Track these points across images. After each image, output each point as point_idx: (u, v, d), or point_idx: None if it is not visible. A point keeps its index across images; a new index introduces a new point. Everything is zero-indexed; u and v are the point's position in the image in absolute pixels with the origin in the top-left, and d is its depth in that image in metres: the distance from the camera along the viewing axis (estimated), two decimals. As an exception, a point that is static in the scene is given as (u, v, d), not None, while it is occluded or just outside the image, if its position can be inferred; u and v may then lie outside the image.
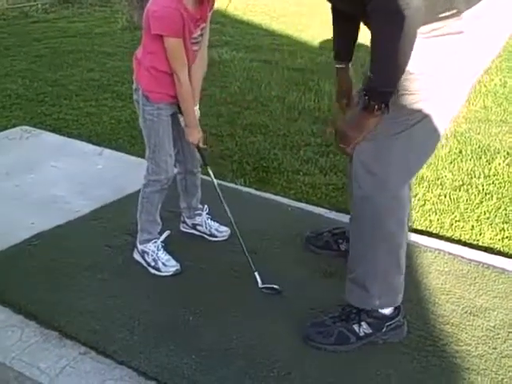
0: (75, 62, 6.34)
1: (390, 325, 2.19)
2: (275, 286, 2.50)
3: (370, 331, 2.18)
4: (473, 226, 3.18)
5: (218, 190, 2.65)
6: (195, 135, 2.55)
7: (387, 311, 2.20)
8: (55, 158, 3.82)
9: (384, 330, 2.19)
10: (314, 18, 8.32)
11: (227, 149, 4.17)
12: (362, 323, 2.17)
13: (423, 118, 1.96)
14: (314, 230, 2.86)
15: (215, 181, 2.66)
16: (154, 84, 2.45)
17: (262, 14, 8.70)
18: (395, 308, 2.21)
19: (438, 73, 1.91)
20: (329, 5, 2.18)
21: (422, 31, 1.81)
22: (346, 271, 2.24)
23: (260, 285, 2.51)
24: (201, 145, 2.60)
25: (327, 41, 7.08)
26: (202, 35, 2.44)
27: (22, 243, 2.82)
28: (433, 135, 2.04)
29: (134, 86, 2.53)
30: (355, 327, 2.18)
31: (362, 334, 2.18)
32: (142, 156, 3.82)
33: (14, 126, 4.45)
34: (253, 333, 2.27)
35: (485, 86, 5.56)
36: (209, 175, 2.67)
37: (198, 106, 2.58)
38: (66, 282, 2.56)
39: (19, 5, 8.82)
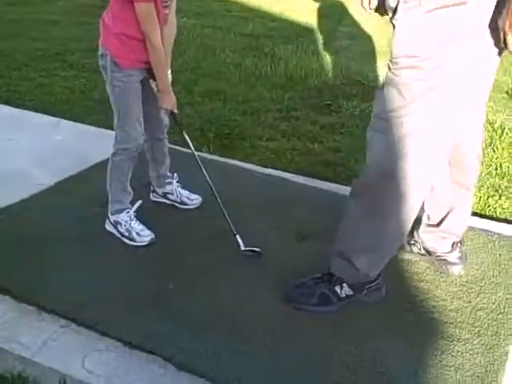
0: (19, 31, 6.11)
1: (371, 287, 2.22)
2: (256, 249, 2.49)
3: (351, 293, 2.21)
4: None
5: (196, 154, 2.63)
6: (169, 100, 2.51)
7: None
8: (11, 131, 3.69)
9: (364, 291, 2.22)
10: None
11: (187, 116, 4.10)
12: (344, 285, 2.20)
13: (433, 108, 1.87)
14: None
15: (192, 147, 2.65)
16: (124, 50, 2.38)
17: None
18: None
19: (444, 54, 1.80)
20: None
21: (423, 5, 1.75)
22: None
23: (242, 248, 2.49)
24: (175, 110, 2.56)
25: (277, 7, 7.05)
26: (171, -2, 2.38)
27: (-14, 219, 2.73)
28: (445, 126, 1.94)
29: (101, 52, 2.45)
30: (337, 288, 2.20)
31: (343, 295, 2.21)
32: (100, 126, 3.74)
33: (-36, 99, 4.28)
34: (235, 297, 2.28)
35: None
36: (183, 143, 2.65)
37: (170, 71, 2.53)
38: (38, 256, 2.49)
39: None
